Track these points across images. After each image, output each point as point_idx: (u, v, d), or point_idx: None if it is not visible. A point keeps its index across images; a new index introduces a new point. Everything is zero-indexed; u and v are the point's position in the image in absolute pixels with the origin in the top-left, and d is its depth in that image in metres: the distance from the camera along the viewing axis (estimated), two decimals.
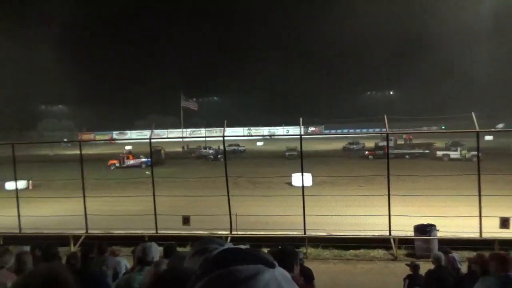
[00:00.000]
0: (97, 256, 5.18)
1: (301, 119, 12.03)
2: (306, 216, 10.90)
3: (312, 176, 18.58)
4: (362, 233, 10.82)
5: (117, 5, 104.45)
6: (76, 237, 11.79)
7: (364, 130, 56.25)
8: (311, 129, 63.02)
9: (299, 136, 12.16)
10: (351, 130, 59.40)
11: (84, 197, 12.36)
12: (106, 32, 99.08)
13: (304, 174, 12.16)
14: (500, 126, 37.85)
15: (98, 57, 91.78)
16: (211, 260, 0.73)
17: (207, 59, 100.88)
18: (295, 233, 11.12)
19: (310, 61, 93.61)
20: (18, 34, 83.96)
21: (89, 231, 12.05)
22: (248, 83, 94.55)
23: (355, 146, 43.65)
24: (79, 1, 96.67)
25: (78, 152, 13.29)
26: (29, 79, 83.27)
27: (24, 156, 16.53)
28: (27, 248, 5.64)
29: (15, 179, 13.91)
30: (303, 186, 11.31)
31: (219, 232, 11.30)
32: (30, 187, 21.29)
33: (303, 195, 11.06)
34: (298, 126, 12.36)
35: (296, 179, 19.59)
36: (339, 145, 43.62)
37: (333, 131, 61.52)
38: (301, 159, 11.81)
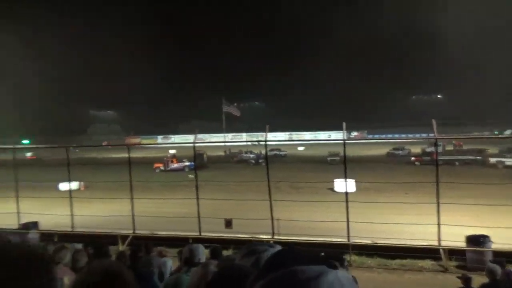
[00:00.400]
0: (144, 255, 5.35)
1: (344, 123, 11.82)
2: (350, 222, 10.66)
3: (356, 182, 18.16)
4: (409, 242, 10.40)
5: (158, 12, 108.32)
6: (123, 237, 12.27)
7: (410, 135, 54.21)
8: (354, 134, 61.47)
9: (342, 141, 11.96)
10: (396, 135, 57.35)
11: (131, 198, 12.88)
12: (150, 40, 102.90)
13: (347, 179, 11.92)
14: (508, 132, 34.88)
15: (142, 65, 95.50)
16: (272, 258, 0.72)
17: (249, 65, 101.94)
18: (338, 239, 10.90)
19: (353, 64, 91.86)
20: (66, 42, 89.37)
21: (136, 231, 12.50)
22: (290, 88, 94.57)
23: (400, 151, 42.14)
24: (124, 11, 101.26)
25: (125, 155, 13.89)
26: (80, 85, 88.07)
27: (75, 159, 17.46)
28: (79, 246, 5.95)
29: (69, 180, 14.76)
30: (346, 192, 11.09)
31: (261, 236, 11.31)
32: (82, 188, 22.43)
33: (346, 201, 10.83)
34: (340, 131, 12.18)
35: (339, 184, 19.19)
36: (383, 151, 42.32)
37: (376, 136, 59.89)
38: (344, 164, 11.59)
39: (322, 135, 63.14)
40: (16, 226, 12.88)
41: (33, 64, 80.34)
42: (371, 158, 35.84)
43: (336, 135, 49.07)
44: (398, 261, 10.25)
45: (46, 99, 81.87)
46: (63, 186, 18.70)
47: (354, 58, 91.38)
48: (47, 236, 12.01)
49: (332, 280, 0.66)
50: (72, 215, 13.25)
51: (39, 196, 15.15)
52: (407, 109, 79.63)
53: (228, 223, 11.53)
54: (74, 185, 17.95)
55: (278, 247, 1.22)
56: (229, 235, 11.41)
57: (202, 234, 11.78)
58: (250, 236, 11.21)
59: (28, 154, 44.81)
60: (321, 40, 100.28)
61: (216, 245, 5.17)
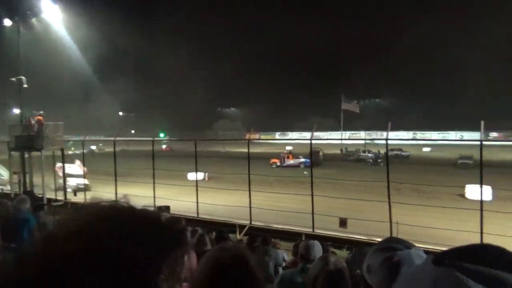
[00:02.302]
0: (261, 246, 5.55)
1: (482, 122, 10.40)
2: (484, 234, 9.39)
3: (493, 189, 15.90)
4: None
5: (277, 13, 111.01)
6: (241, 226, 12.97)
7: None
8: (493, 135, 53.75)
9: (478, 142, 10.57)
10: None
11: (249, 191, 13.53)
12: (269, 41, 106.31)
13: (483, 186, 10.49)
14: None
15: (263, 65, 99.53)
16: (463, 251, 0.55)
17: (369, 60, 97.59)
18: None
19: (492, 53, 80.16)
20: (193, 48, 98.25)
21: (252, 222, 13.09)
22: (415, 84, 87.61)
23: None
24: (244, 14, 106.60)
25: (245, 150, 14.65)
26: (209, 85, 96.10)
27: (202, 152, 19.04)
28: (203, 231, 6.47)
29: (196, 171, 16.20)
30: (481, 200, 9.78)
31: (378, 239, 10.73)
32: (206, 179, 24.39)
33: (481, 209, 9.56)
34: (475, 132, 10.78)
35: (471, 191, 17.10)
36: None
37: None
38: (480, 167, 10.19)
39: (452, 136, 56.99)
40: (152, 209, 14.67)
41: (169, 67, 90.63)
42: None
43: (470, 136, 43.75)
44: None
45: (181, 98, 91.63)
46: (191, 176, 20.58)
47: (494, 45, 79.65)
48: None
49: None
50: (197, 202, 14.54)
51: (171, 183, 16.97)
52: None
53: (343, 222, 11.24)
54: (200, 175, 19.57)
55: (419, 250, 1.11)
56: (343, 235, 11.13)
57: (315, 231, 11.72)
58: (365, 238, 10.75)
59: (163, 146, 50.63)
60: (450, 30, 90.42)
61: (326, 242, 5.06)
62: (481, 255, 0.52)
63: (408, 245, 1.10)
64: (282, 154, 37.68)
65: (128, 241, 0.64)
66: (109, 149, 24.55)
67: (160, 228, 0.70)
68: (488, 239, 9.46)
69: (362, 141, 45.42)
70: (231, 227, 12.48)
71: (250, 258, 1.38)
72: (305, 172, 23.40)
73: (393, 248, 1.08)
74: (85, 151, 20.77)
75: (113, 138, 19.21)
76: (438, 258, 0.53)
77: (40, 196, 16.17)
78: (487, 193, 15.08)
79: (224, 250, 1.36)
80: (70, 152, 26.34)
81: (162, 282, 0.64)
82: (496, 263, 0.49)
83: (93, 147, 47.01)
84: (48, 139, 17.63)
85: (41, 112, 19.08)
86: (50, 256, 0.60)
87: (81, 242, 0.61)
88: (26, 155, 18.65)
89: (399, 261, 1.03)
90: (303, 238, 11.05)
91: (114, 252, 0.61)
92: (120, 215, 0.69)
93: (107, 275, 0.59)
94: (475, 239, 9.52)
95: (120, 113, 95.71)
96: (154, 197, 15.42)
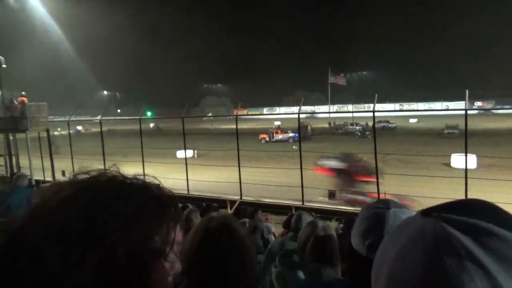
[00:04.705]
0: (249, 220, 5.61)
1: (467, 91, 10.47)
2: None
3: (477, 157, 16.24)
4: None
5: None
6: (232, 202, 13.09)
7: None
8: (478, 104, 54.34)
9: (462, 111, 10.67)
10: None
11: (239, 166, 13.59)
12: (256, 16, 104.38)
13: (468, 154, 10.68)
14: None
15: (250, 40, 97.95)
16: (455, 204, 0.56)
17: (356, 34, 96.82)
18: None
19: (477, 27, 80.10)
20: (186, 25, 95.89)
21: (243, 197, 13.21)
22: (402, 55, 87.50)
23: None
24: None
25: (233, 126, 14.63)
26: (195, 62, 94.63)
27: (190, 129, 18.93)
28: (192, 206, 6.50)
29: (185, 149, 16.15)
30: (466, 168, 9.98)
31: None
32: (195, 156, 24.37)
33: (466, 177, 9.77)
34: (459, 102, 10.86)
35: (457, 159, 17.43)
36: None
37: (507, 106, 52.25)
38: (465, 135, 10.34)
39: (438, 106, 57.58)
40: None
41: (154, 44, 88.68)
42: (499, 132, 31.55)
43: (455, 106, 44.31)
44: None
45: (167, 76, 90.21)
46: (180, 153, 20.53)
47: (478, 19, 79.58)
48: None
49: None
50: (187, 179, 14.58)
51: (160, 161, 16.92)
52: None
53: (332, 194, 11.42)
54: (189, 153, 19.50)
55: (397, 208, 1.09)
56: (332, 206, 11.34)
57: (305, 203, 11.91)
58: (353, 209, 10.97)
59: (151, 125, 50.17)
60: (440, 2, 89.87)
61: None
62: (468, 208, 0.52)
63: (388, 205, 1.09)
64: (270, 130, 37.72)
65: (118, 211, 0.63)
66: (96, 129, 24.27)
67: (151, 197, 0.70)
68: None
69: (350, 114, 45.60)
70: (222, 203, 12.58)
71: (238, 226, 1.41)
72: (294, 147, 23.51)
73: (372, 206, 1.10)
74: (71, 131, 20.47)
75: (99, 118, 18.92)
76: (426, 210, 0.54)
77: (28, 177, 15.99)
78: (472, 161, 15.40)
79: (212, 219, 1.39)
80: (56, 133, 25.97)
81: (156, 251, 0.64)
82: (483, 215, 0.50)
83: (80, 128, 46.38)
84: (32, 120, 17.26)
85: (23, 92, 18.55)
86: (36, 229, 0.58)
87: (69, 214, 0.60)
88: (11, 137, 18.29)
89: (383, 216, 1.03)
90: (293, 211, 11.23)
91: (104, 222, 0.60)
92: (109, 185, 0.68)
93: (97, 246, 0.57)
94: None
95: (105, 92, 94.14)
96: (144, 175, 15.35)
